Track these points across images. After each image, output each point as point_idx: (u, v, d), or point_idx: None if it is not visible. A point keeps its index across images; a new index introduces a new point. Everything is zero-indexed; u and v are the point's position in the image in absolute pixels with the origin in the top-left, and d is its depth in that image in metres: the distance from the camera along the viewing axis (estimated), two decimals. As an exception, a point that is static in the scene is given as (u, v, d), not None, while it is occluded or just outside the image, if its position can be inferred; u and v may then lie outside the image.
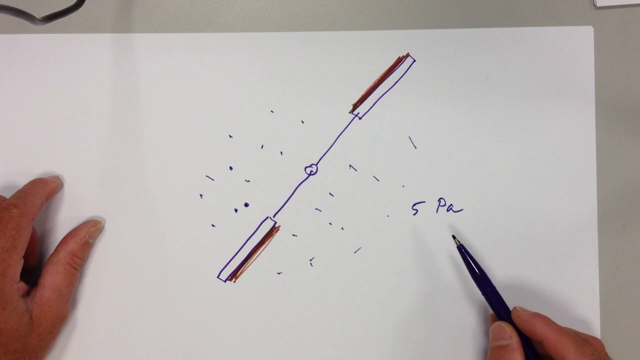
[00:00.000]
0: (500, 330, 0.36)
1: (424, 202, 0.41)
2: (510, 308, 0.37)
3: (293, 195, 0.41)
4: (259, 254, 0.41)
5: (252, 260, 0.41)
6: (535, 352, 0.36)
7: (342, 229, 0.41)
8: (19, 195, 0.37)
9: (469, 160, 0.41)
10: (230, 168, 0.41)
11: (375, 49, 0.42)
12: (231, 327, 0.40)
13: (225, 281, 0.40)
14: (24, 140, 0.41)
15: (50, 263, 0.38)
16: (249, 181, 0.41)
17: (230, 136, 0.41)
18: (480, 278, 0.37)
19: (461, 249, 0.38)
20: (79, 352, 0.40)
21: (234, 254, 0.40)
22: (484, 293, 0.38)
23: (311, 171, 0.41)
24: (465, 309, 0.40)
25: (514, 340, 0.35)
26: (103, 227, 0.40)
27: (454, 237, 0.39)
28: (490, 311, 0.38)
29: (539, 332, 0.34)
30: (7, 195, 0.38)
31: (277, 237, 0.41)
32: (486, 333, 0.40)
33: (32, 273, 0.39)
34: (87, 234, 0.39)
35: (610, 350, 0.40)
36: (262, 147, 0.41)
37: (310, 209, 0.41)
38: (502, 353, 0.35)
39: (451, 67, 0.42)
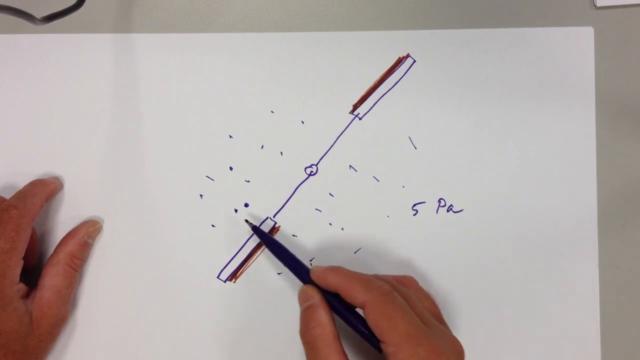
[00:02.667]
0: (303, 293, 0.35)
1: (424, 202, 0.41)
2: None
3: (293, 196, 0.41)
4: (259, 254, 0.41)
5: (252, 260, 0.41)
6: (345, 305, 0.34)
7: (342, 229, 0.41)
8: (18, 196, 0.37)
9: (469, 160, 0.41)
10: (230, 168, 0.41)
11: (375, 49, 0.42)
12: (231, 327, 0.40)
13: (225, 281, 0.40)
14: (24, 140, 0.41)
15: (50, 264, 0.38)
16: (249, 181, 0.41)
17: (230, 136, 0.41)
18: (279, 251, 0.37)
19: (255, 229, 0.39)
20: (79, 352, 0.40)
21: (234, 254, 0.40)
22: (284, 263, 0.37)
23: (311, 171, 0.41)
24: (466, 306, 0.40)
25: (316, 298, 0.34)
26: (101, 227, 0.40)
27: (246, 221, 0.39)
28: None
29: (331, 283, 0.34)
30: (7, 195, 0.38)
31: (277, 237, 0.41)
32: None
33: (31, 274, 0.39)
34: (86, 235, 0.39)
35: (610, 350, 0.40)
36: (262, 147, 0.41)
37: (310, 209, 0.41)
38: (307, 314, 0.34)
39: (451, 67, 0.42)
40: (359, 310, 0.34)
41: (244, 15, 0.42)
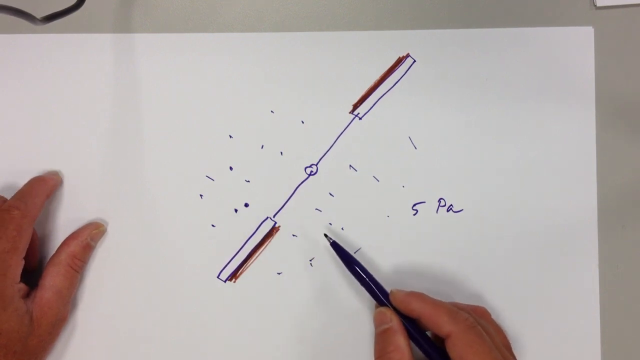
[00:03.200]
0: (381, 315, 0.36)
1: (424, 202, 0.41)
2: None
3: (293, 196, 0.41)
4: (259, 254, 0.41)
5: (252, 260, 0.41)
6: (420, 331, 0.35)
7: (342, 229, 0.41)
8: (19, 196, 0.37)
9: (469, 160, 0.41)
10: (230, 168, 0.41)
11: (375, 49, 0.42)
12: (231, 327, 0.40)
13: (225, 281, 0.40)
14: (24, 140, 0.41)
15: (51, 264, 0.38)
16: (249, 181, 0.41)
17: (230, 136, 0.41)
18: (357, 270, 0.37)
19: (334, 245, 0.38)
20: (79, 353, 0.40)
21: (234, 254, 0.40)
22: (362, 283, 0.37)
23: (311, 171, 0.41)
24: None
25: (394, 322, 0.35)
26: (105, 229, 0.40)
27: (325, 235, 0.39)
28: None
29: (415, 309, 0.34)
30: (8, 195, 0.38)
31: (277, 237, 0.41)
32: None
33: (32, 274, 0.39)
34: (89, 237, 0.39)
35: (610, 350, 0.40)
36: (262, 147, 0.41)
37: (310, 209, 0.41)
38: (385, 337, 0.35)
39: (451, 67, 0.42)
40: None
41: (244, 15, 0.42)
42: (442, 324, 0.33)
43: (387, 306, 0.36)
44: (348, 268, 0.38)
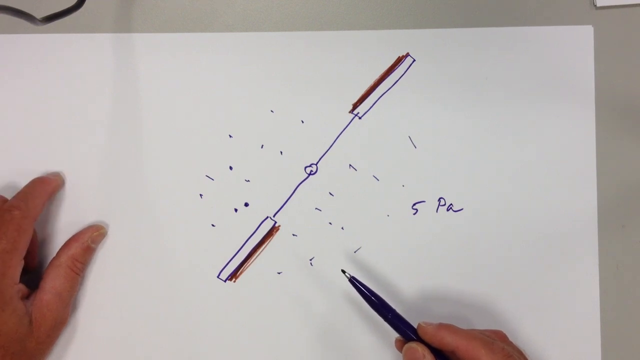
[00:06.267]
0: (412, 351, 0.35)
1: (424, 202, 0.41)
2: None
3: (293, 195, 0.41)
4: (259, 254, 0.41)
5: (252, 260, 0.41)
6: None
7: (342, 229, 0.41)
8: (20, 197, 0.37)
9: (469, 160, 0.41)
10: (230, 168, 0.41)
11: (375, 48, 0.42)
12: (231, 327, 0.40)
13: (225, 281, 0.40)
14: (24, 140, 0.41)
15: (52, 266, 0.38)
16: (249, 181, 0.41)
17: (230, 136, 0.41)
18: (379, 305, 0.36)
19: (353, 281, 0.36)
20: (79, 355, 0.40)
21: (234, 254, 0.41)
22: (385, 319, 0.36)
23: (311, 171, 0.41)
24: (466, 306, 0.40)
25: (427, 358, 0.34)
26: (106, 232, 0.40)
27: (343, 271, 0.37)
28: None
29: (448, 342, 0.34)
30: (8, 195, 0.38)
31: (277, 237, 0.41)
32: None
33: (31, 275, 0.39)
34: (90, 239, 0.39)
35: (610, 350, 0.40)
36: (262, 147, 0.41)
37: (310, 209, 0.41)
38: None
39: (451, 67, 0.42)
40: None
41: (244, 15, 0.42)
42: (479, 357, 0.33)
43: (416, 340, 0.35)
44: (370, 304, 0.36)
